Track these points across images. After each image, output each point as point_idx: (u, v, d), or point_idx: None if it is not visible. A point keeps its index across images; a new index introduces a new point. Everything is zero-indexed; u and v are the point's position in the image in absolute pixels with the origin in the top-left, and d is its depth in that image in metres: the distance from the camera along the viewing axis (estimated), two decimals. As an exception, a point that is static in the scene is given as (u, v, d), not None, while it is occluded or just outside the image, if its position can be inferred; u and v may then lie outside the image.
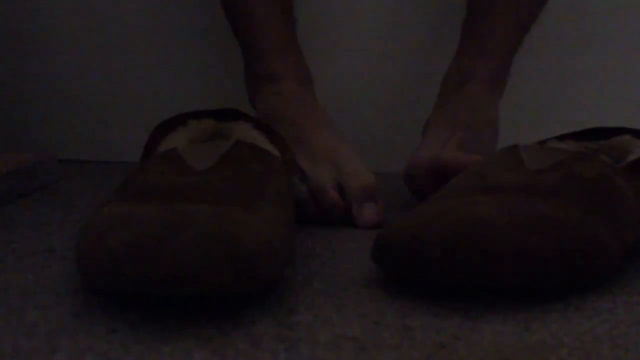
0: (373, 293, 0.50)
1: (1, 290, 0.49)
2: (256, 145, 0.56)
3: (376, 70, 0.93)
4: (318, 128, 0.73)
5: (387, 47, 0.92)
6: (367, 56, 0.93)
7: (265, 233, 0.46)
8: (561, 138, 0.65)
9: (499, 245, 0.47)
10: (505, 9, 0.77)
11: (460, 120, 0.75)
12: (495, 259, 0.46)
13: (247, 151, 0.54)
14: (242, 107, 0.70)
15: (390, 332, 0.43)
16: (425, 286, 0.50)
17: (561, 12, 0.94)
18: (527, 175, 0.54)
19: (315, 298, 0.48)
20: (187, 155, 0.54)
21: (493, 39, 0.77)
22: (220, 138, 0.63)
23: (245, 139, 0.61)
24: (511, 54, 0.79)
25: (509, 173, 0.54)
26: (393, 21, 0.92)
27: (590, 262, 0.49)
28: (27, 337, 0.41)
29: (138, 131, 0.99)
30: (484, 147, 0.75)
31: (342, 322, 0.44)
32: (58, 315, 0.45)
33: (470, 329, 0.44)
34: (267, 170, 0.54)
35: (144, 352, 0.40)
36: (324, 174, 0.69)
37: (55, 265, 0.54)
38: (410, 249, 0.47)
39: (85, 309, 0.46)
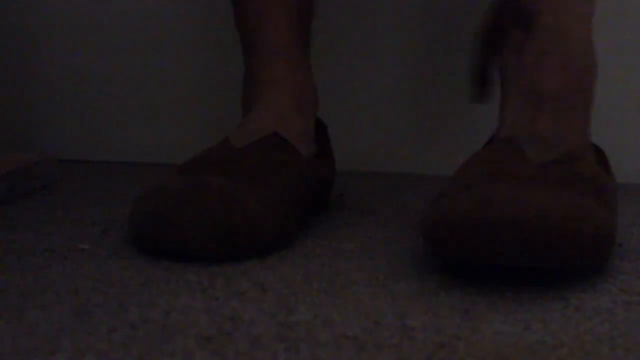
0: (373, 293, 0.50)
1: (1, 290, 0.49)
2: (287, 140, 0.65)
3: (376, 70, 0.93)
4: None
5: (387, 47, 0.92)
6: (366, 56, 0.93)
7: (256, 210, 0.56)
8: None
9: (561, 229, 0.48)
10: None
11: (544, 89, 0.58)
12: (561, 242, 0.47)
13: (278, 141, 0.64)
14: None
15: (390, 332, 0.43)
16: (425, 286, 0.50)
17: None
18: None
19: (315, 298, 0.48)
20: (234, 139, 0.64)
21: None
22: None
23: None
24: None
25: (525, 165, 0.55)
26: (393, 20, 0.92)
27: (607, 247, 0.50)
28: (27, 337, 0.41)
29: (138, 131, 0.99)
30: (576, 118, 0.58)
31: (342, 322, 0.44)
32: (58, 315, 0.45)
33: (470, 329, 0.44)
34: (288, 159, 0.63)
35: (144, 352, 0.40)
36: None
37: (55, 265, 0.54)
38: (482, 232, 0.48)
39: (85, 309, 0.46)
